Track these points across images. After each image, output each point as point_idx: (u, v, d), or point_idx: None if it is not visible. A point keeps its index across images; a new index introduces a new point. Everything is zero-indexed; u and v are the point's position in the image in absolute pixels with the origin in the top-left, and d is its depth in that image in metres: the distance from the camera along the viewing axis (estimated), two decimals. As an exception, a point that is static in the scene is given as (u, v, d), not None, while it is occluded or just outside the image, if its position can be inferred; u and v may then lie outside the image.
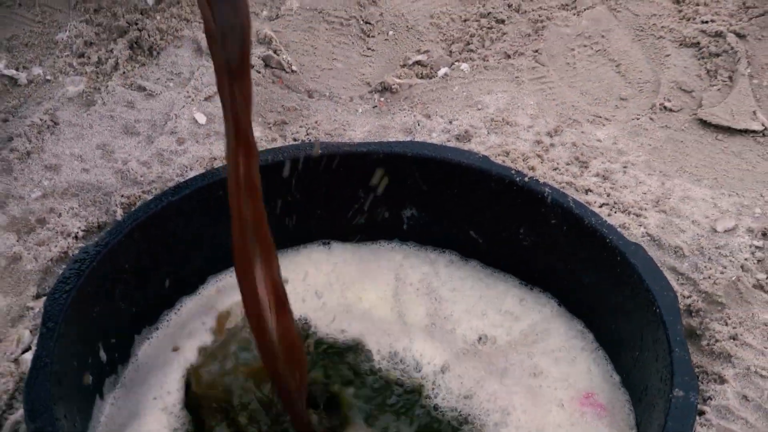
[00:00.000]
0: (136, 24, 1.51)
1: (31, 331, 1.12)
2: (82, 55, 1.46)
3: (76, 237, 1.23)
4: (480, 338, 1.18)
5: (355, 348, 1.18)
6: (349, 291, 1.21)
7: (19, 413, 1.04)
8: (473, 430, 1.07)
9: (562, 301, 1.24)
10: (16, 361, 1.09)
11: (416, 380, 1.12)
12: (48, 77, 1.42)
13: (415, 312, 1.19)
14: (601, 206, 1.29)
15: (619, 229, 1.16)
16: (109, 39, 1.50)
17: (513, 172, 1.20)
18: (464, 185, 1.20)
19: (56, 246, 1.21)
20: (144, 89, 1.42)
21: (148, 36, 1.49)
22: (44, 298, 1.13)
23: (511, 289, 1.24)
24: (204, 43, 1.52)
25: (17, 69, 1.42)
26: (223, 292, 1.17)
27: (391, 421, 1.11)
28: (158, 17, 1.53)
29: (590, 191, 1.30)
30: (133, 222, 1.11)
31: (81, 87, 1.41)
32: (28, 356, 1.09)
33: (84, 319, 1.09)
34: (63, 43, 1.48)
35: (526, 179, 1.18)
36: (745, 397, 1.11)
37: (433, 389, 1.13)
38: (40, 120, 1.35)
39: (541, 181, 1.19)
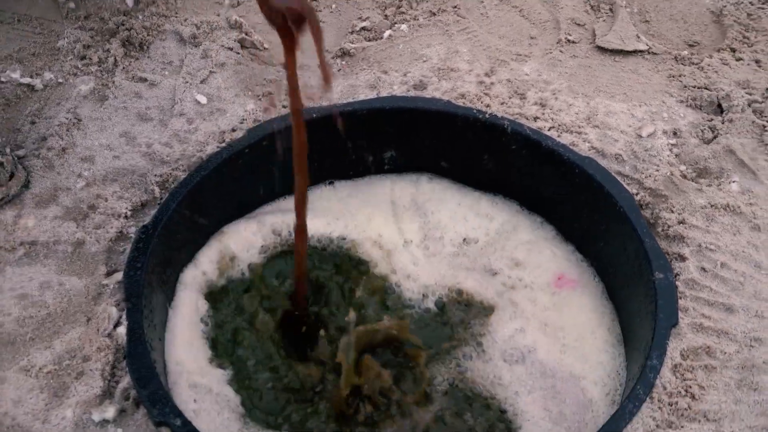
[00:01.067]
0: (123, 24, 1.60)
1: (115, 307, 1.19)
2: (83, 57, 1.54)
3: (126, 216, 1.32)
4: (464, 240, 1.41)
5: (359, 261, 1.41)
6: (358, 215, 1.43)
7: (125, 381, 1.12)
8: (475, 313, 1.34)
9: (524, 205, 1.46)
10: (110, 335, 1.17)
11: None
12: (60, 80, 1.50)
13: (409, 227, 1.41)
14: (549, 129, 1.48)
15: (571, 147, 1.38)
16: (103, 40, 1.58)
17: (475, 111, 1.41)
18: (434, 126, 1.40)
19: (112, 227, 1.30)
20: (145, 80, 1.52)
21: (136, 33, 1.58)
22: (116, 275, 1.25)
23: (482, 196, 1.47)
24: (185, 33, 1.57)
25: (31, 76, 1.49)
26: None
27: (367, 302, 1.33)
28: (140, 16, 1.63)
29: (537, 118, 1.51)
30: (176, 199, 1.27)
31: (91, 85, 1.49)
32: (121, 330, 1.16)
33: (155, 289, 1.25)
34: (65, 49, 1.55)
35: (487, 115, 1.38)
36: (703, 269, 1.32)
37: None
38: (66, 119, 1.43)
39: (499, 114, 1.39)
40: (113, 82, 1.51)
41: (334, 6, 1.77)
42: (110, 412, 1.09)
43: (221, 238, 1.39)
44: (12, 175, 1.31)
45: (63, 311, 1.21)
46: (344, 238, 1.43)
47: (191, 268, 1.34)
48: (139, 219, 1.35)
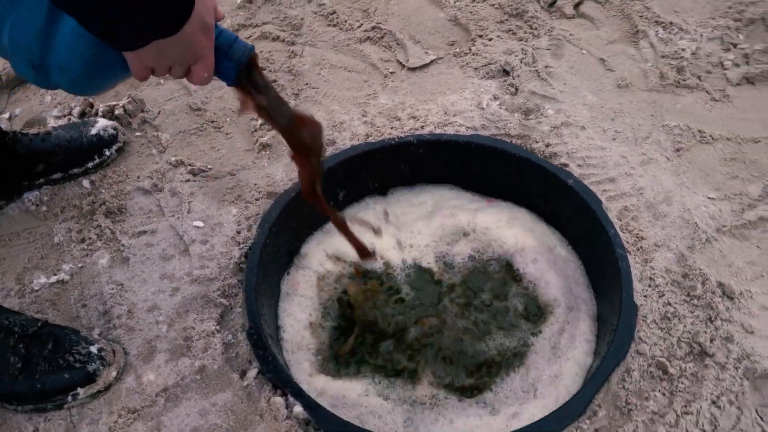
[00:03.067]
0: (95, 202, 1.55)
1: (279, 397, 1.22)
2: (83, 240, 1.48)
3: (218, 330, 1.33)
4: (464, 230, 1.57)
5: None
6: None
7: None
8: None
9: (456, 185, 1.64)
10: (288, 417, 1.19)
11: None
12: (79, 265, 1.43)
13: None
14: (428, 129, 1.68)
15: (456, 133, 1.58)
16: (88, 221, 1.52)
17: (386, 140, 1.58)
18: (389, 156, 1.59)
19: (216, 344, 1.31)
20: (145, 231, 1.49)
21: (110, 203, 1.55)
22: (249, 374, 1.28)
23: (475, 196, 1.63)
24: (146, 186, 1.59)
25: (55, 274, 1.42)
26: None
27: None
28: (103, 191, 1.58)
29: (423, 126, 1.68)
30: (252, 297, 1.33)
31: (107, 256, 1.45)
32: (297, 408, 1.21)
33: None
34: (64, 242, 1.48)
35: (397, 139, 1.57)
36: (579, 165, 1.62)
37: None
38: (112, 289, 1.39)
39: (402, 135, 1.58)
40: (123, 245, 1.45)
41: (228, 119, 1.80)
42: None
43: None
44: (114, 352, 1.26)
45: (236, 422, 1.18)
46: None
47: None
48: (227, 327, 1.33)
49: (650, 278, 1.39)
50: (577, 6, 2.10)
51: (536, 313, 1.42)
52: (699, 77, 1.89)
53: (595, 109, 1.78)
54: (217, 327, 1.33)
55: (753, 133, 1.74)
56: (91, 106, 1.70)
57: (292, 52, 1.95)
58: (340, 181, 1.55)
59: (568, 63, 1.93)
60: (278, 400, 1.19)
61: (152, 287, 1.40)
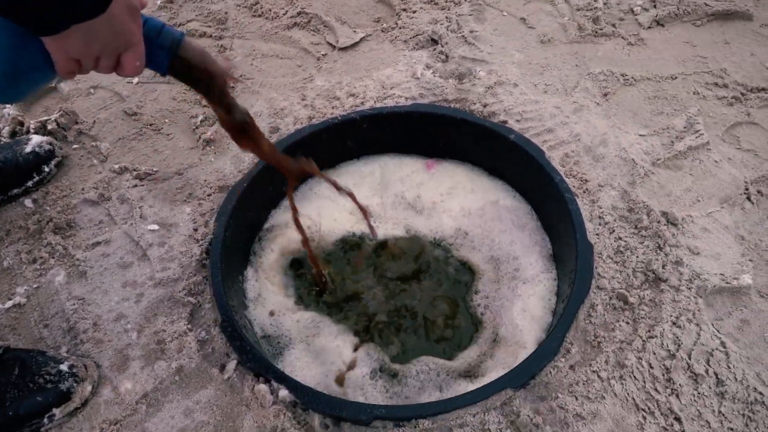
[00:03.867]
0: (41, 221, 1.44)
1: (263, 384, 1.17)
2: (35, 260, 1.38)
3: (190, 329, 1.26)
4: (418, 196, 1.56)
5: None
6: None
7: (316, 419, 1.12)
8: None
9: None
10: (275, 402, 1.15)
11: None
12: (35, 286, 1.34)
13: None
14: (375, 102, 1.62)
15: (395, 105, 1.56)
16: (37, 240, 1.42)
17: (335, 117, 1.54)
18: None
19: (190, 343, 1.24)
20: (99, 242, 1.40)
21: (58, 219, 1.45)
22: (228, 367, 1.22)
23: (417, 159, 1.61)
24: (92, 196, 1.49)
25: (9, 298, 1.32)
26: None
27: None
28: (48, 208, 1.48)
29: (364, 102, 1.64)
30: (221, 294, 1.28)
31: (62, 273, 1.35)
32: (283, 392, 1.17)
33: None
34: (14, 264, 1.38)
35: (340, 117, 1.53)
36: (517, 120, 1.58)
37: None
38: (73, 305, 1.30)
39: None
40: (78, 260, 1.37)
41: (167, 120, 1.70)
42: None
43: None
44: (86, 367, 1.19)
45: (223, 416, 1.13)
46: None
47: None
48: (199, 325, 1.26)
49: (599, 217, 1.39)
50: (490, -30, 2.09)
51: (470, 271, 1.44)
52: (614, 25, 1.91)
53: (523, 66, 1.78)
54: (189, 326, 1.27)
55: (669, 70, 1.78)
56: (21, 124, 1.58)
57: (221, 46, 1.86)
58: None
59: (492, 25, 1.92)
60: (262, 387, 1.15)
61: (115, 297, 1.33)
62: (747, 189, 1.45)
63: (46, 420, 1.11)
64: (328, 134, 1.52)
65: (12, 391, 1.10)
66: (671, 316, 1.24)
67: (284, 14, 1.97)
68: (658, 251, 1.34)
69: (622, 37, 1.88)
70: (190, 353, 1.22)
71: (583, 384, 1.14)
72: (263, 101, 1.71)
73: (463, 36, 1.85)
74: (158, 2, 2.02)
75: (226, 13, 1.99)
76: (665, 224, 1.38)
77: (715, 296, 1.28)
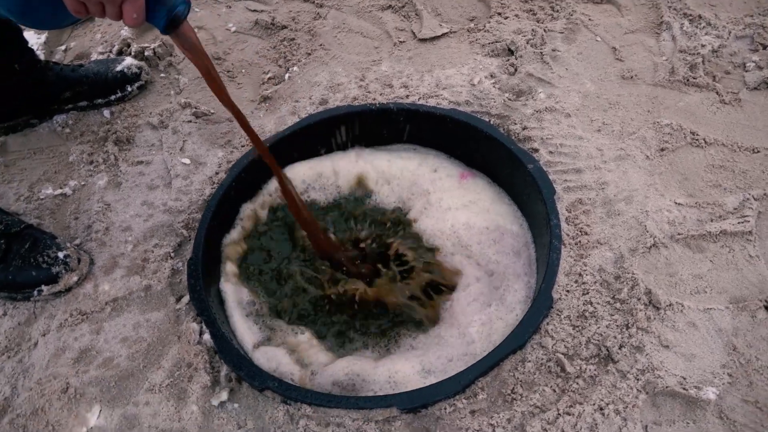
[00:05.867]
0: (110, 131, 1.55)
1: (195, 323, 1.18)
2: (92, 162, 1.49)
3: (171, 257, 1.30)
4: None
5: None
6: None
7: (224, 370, 1.12)
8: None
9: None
10: (199, 342, 1.16)
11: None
12: (82, 183, 1.45)
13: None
14: (419, 99, 1.52)
15: (436, 106, 1.45)
16: (101, 146, 1.53)
17: (369, 105, 1.46)
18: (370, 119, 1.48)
19: (166, 268, 1.29)
20: (142, 162, 1.48)
21: (122, 133, 1.55)
22: (183, 300, 1.23)
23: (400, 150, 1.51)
24: (154, 122, 1.55)
25: (60, 188, 1.44)
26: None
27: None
28: (119, 121, 1.58)
29: (408, 96, 1.54)
30: (202, 235, 1.28)
31: (106, 179, 1.45)
32: (206, 336, 1.15)
33: (213, 298, 1.24)
34: (76, 161, 1.51)
35: (378, 104, 1.45)
36: (551, 152, 1.41)
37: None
38: (99, 207, 1.40)
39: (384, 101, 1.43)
40: (120, 171, 1.46)
41: (243, 71, 1.74)
42: (223, 395, 1.08)
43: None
44: (79, 260, 1.27)
45: (158, 339, 1.17)
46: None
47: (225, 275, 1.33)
48: (182, 255, 1.30)
49: (579, 274, 1.20)
50: (607, -9, 1.81)
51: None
52: (714, 76, 1.58)
53: (589, 98, 1.54)
54: (172, 254, 1.31)
55: (754, 142, 1.44)
56: (128, 45, 1.69)
57: (318, 14, 1.83)
58: (322, 136, 1.49)
59: (578, 48, 1.68)
60: (193, 326, 1.17)
61: (132, 211, 1.40)
62: (772, 297, 1.16)
63: (35, 293, 1.23)
64: (362, 118, 1.47)
65: (17, 260, 1.22)
66: (602, 400, 1.05)
67: (386, -6, 1.88)
68: (623, 330, 1.13)
69: (717, 93, 1.55)
70: (161, 277, 1.27)
71: (475, 433, 1.02)
72: (326, 73, 1.67)
73: (541, 53, 1.64)
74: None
75: (337, -17, 1.94)
76: (645, 304, 1.15)
77: (665, 398, 1.06)
